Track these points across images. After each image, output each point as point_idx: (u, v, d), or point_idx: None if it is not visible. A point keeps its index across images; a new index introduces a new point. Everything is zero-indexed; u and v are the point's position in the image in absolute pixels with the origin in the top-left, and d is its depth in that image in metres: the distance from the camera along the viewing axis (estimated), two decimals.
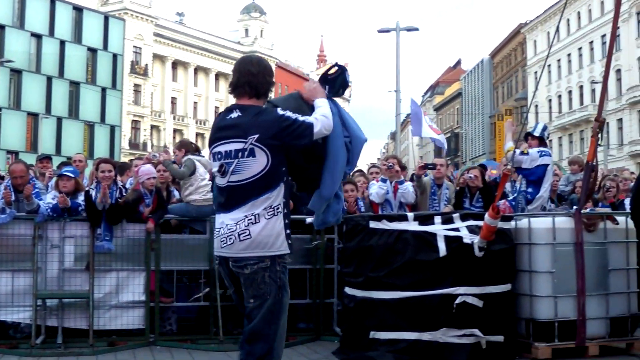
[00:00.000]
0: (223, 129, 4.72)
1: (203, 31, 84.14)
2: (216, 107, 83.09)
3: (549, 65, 70.04)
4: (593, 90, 60.57)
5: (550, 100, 71.73)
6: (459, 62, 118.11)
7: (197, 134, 76.88)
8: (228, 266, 4.73)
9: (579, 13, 65.96)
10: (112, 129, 63.06)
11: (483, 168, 12.32)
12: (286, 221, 4.66)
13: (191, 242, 9.50)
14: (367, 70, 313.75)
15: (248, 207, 4.56)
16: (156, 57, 74.77)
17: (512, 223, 8.35)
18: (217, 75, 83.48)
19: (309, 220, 9.32)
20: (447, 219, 8.04)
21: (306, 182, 4.98)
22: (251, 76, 4.73)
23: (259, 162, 4.54)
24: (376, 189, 10.16)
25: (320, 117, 4.68)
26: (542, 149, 9.51)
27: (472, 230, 7.89)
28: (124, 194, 9.10)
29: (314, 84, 5.00)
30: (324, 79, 5.21)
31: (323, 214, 5.15)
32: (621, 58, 57.18)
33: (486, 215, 7.72)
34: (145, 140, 71.89)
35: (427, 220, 8.01)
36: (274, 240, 4.58)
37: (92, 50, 61.65)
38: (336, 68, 5.21)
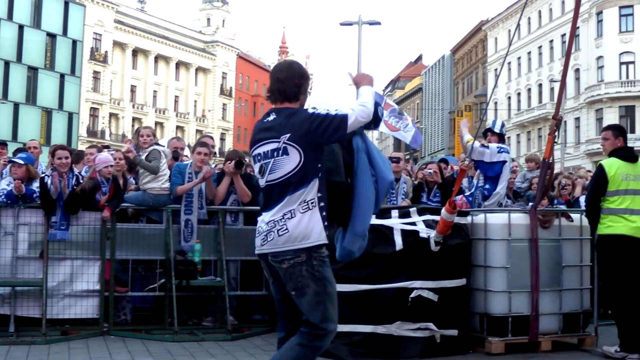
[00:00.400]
0: (261, 131, 4.95)
1: (164, 19, 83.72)
2: (176, 96, 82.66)
3: (509, 63, 70.67)
4: (552, 89, 61.20)
5: (509, 98, 72.40)
6: (420, 58, 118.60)
7: (157, 123, 76.32)
8: (267, 261, 4.92)
9: (539, 12, 66.59)
10: (70, 115, 62.17)
11: (445, 163, 12.37)
12: (323, 213, 4.82)
13: (147, 232, 9.42)
14: (329, 63, 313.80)
15: (285, 204, 4.75)
16: (116, 44, 74.08)
17: (469, 218, 8.40)
18: (178, 64, 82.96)
19: None
20: (404, 213, 8.09)
21: (333, 215, 5.08)
22: (279, 83, 4.95)
23: (292, 160, 4.74)
24: None
25: (357, 107, 4.82)
26: (501, 145, 9.55)
27: (428, 224, 7.95)
28: (81, 182, 8.99)
29: (365, 74, 5.17)
30: None
31: (350, 249, 5.31)
32: (580, 57, 57.88)
33: (443, 210, 7.77)
34: (103, 128, 71.25)
35: (384, 214, 8.02)
36: (310, 232, 4.74)
37: (51, 36, 60.66)
38: None
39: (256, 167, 4.96)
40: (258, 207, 9.35)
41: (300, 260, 4.73)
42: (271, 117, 4.90)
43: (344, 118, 4.74)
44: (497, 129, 9.73)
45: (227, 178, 9.60)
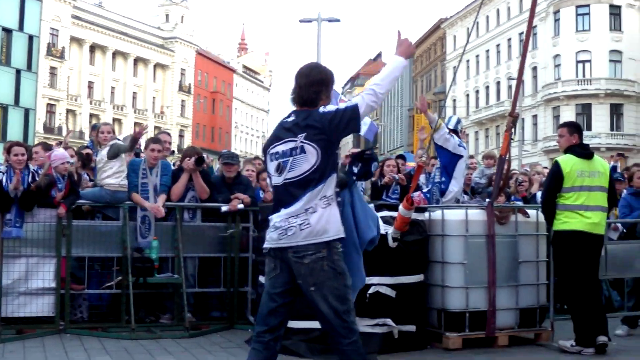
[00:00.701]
0: (280, 130, 5.08)
1: (122, 15, 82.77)
2: (134, 93, 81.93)
3: (468, 61, 71.16)
4: (510, 87, 61.79)
5: (467, 95, 72.91)
6: (379, 55, 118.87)
7: (115, 119, 75.57)
8: (281, 255, 4.95)
9: (498, 10, 67.15)
10: (27, 112, 61.37)
11: (402, 159, 12.44)
12: (340, 208, 5.00)
13: (104, 229, 9.32)
14: (288, 60, 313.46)
15: (306, 200, 4.84)
16: (74, 39, 73.17)
17: (426, 214, 8.45)
18: (136, 60, 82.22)
19: (224, 208, 9.29)
20: None
21: None
22: (299, 88, 5.07)
23: (310, 158, 4.85)
24: None
25: (367, 94, 4.92)
26: (460, 140, 9.62)
27: (386, 221, 7.96)
28: (36, 179, 8.87)
29: (410, 42, 5.22)
30: (358, 156, 5.90)
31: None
32: (537, 56, 58.50)
33: (400, 206, 7.80)
34: (60, 124, 70.40)
35: None
36: (331, 227, 4.86)
37: (7, 31, 59.74)
38: (370, 151, 5.90)
39: (272, 165, 5.04)
40: (216, 204, 9.39)
41: (322, 255, 4.82)
42: (291, 118, 5.04)
43: (355, 109, 4.85)
44: (451, 126, 9.79)
45: (185, 175, 9.54)
